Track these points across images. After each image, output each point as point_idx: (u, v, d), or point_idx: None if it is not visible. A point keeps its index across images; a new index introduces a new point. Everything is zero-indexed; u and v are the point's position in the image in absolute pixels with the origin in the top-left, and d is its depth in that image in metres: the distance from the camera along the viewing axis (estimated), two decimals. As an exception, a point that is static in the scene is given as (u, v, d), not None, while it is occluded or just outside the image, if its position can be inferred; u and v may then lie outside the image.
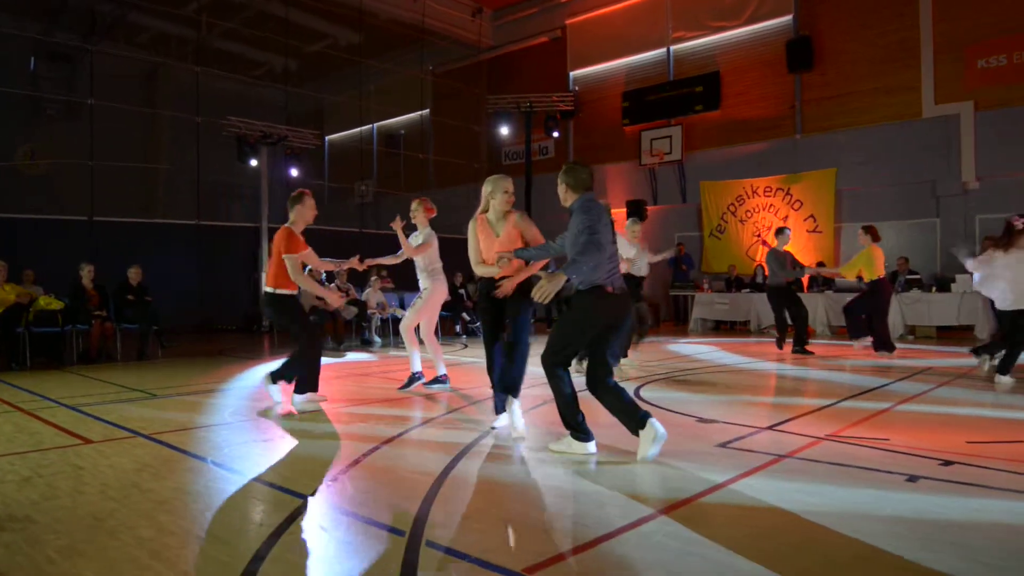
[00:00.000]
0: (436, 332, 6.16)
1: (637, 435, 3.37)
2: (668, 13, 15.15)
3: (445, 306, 6.40)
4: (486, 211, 4.29)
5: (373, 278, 11.06)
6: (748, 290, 12.67)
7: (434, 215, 5.76)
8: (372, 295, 10.92)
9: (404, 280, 10.06)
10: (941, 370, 6.81)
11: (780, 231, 8.69)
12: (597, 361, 3.50)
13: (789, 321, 8.49)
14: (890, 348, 7.88)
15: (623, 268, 5.93)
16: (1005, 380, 5.80)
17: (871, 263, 7.77)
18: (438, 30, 17.12)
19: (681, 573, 2.12)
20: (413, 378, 5.79)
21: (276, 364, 5.22)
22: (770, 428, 4.19)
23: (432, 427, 4.47)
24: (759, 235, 13.91)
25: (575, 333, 3.54)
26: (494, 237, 4.23)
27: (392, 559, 2.23)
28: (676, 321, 14.30)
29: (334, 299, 5.56)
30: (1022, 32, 11.08)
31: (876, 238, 7.89)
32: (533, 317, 4.29)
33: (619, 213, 14.48)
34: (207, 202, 13.89)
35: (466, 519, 2.64)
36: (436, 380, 5.79)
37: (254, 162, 13.61)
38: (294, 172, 14.45)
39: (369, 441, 3.95)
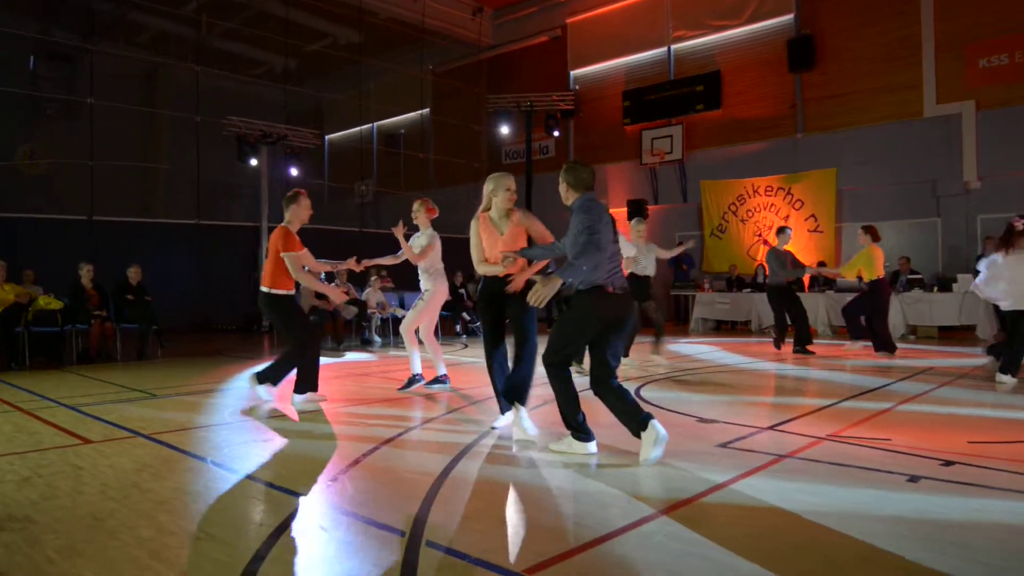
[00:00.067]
0: (436, 332, 6.15)
1: (639, 437, 3.35)
2: (668, 12, 15.12)
3: (445, 306, 6.39)
4: (488, 209, 4.27)
5: (373, 278, 11.04)
6: (749, 290, 12.65)
7: (436, 216, 5.74)
8: (372, 295, 10.91)
9: (404, 280, 10.05)
10: (942, 370, 6.79)
11: (781, 230, 8.68)
12: (598, 361, 3.49)
13: (789, 321, 8.48)
14: (891, 349, 7.86)
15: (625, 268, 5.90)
16: (1007, 380, 5.79)
17: (871, 263, 7.76)
18: (438, 29, 17.10)
19: (682, 573, 2.12)
20: (413, 380, 5.77)
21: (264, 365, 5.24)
22: (771, 428, 4.18)
23: (432, 427, 4.46)
24: (760, 235, 13.89)
25: (575, 333, 3.53)
26: (497, 235, 4.20)
27: (392, 559, 2.23)
28: (677, 321, 14.28)
29: (336, 295, 5.54)
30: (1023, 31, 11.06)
31: (876, 238, 7.88)
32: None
33: (619, 213, 14.46)
34: (207, 202, 13.88)
35: (466, 519, 2.64)
36: (436, 380, 5.77)
37: (254, 161, 13.60)
38: (294, 171, 14.44)
39: (369, 441, 3.94)
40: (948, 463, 3.32)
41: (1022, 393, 5.44)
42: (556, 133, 16.45)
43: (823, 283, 12.11)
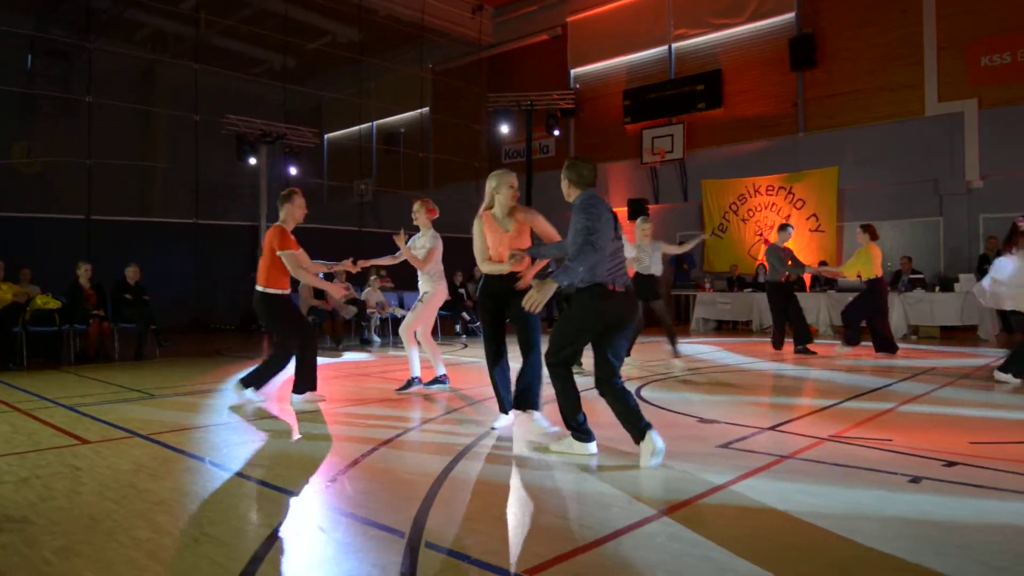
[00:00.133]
0: (436, 332, 6.10)
1: (638, 444, 3.33)
2: (669, 10, 15.08)
3: (445, 306, 6.34)
4: (490, 208, 4.21)
5: (372, 277, 11.00)
6: (750, 289, 12.61)
7: (436, 216, 5.68)
8: (371, 295, 10.86)
9: (403, 280, 10.02)
10: (944, 370, 6.75)
11: (783, 227, 8.68)
12: (600, 360, 3.44)
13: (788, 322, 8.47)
14: (892, 349, 7.83)
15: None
16: (1008, 378, 5.75)
17: (870, 262, 7.75)
18: (438, 27, 17.06)
19: (682, 574, 2.11)
20: (411, 382, 5.72)
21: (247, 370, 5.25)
22: (772, 429, 4.15)
23: (431, 428, 4.43)
24: (761, 234, 13.85)
25: (575, 332, 3.50)
26: (503, 233, 4.14)
27: (391, 561, 2.21)
28: (678, 321, 14.22)
29: (336, 290, 5.49)
30: (1026, 29, 11.03)
31: (874, 236, 7.87)
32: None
33: (620, 212, 14.39)
34: (205, 201, 13.84)
35: (466, 520, 2.63)
36: (436, 380, 5.73)
37: (253, 161, 13.56)
38: (293, 171, 14.40)
39: (368, 442, 3.91)
40: (950, 464, 3.30)
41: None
42: (556, 132, 16.41)
43: (824, 283, 12.08)
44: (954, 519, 2.56)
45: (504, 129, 16.85)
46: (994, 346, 9.07)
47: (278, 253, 4.98)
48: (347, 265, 5.50)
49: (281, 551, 2.32)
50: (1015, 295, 5.77)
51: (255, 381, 5.14)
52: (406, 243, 5.62)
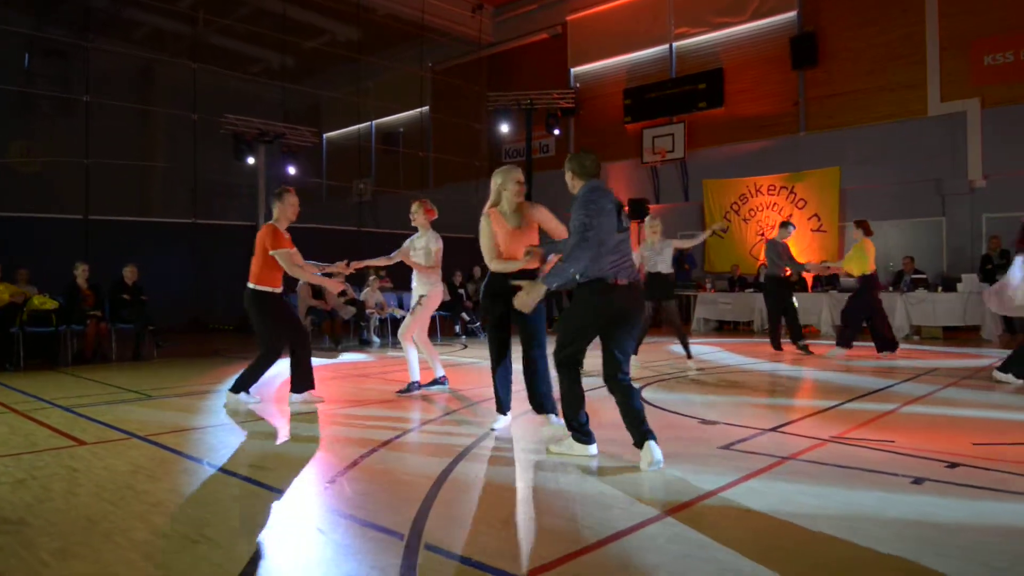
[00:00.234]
0: (435, 333, 6.05)
1: (637, 448, 3.29)
2: (670, 9, 15.03)
3: (445, 306, 6.28)
4: (495, 205, 4.13)
5: (372, 278, 10.94)
6: (751, 289, 12.56)
7: (435, 217, 5.62)
8: (370, 295, 10.80)
9: (403, 280, 9.93)
10: (947, 371, 6.73)
11: (784, 224, 8.72)
12: (605, 356, 3.40)
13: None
14: (893, 347, 7.80)
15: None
16: (1009, 378, 5.70)
17: (864, 257, 7.74)
18: (438, 26, 17.00)
19: (684, 575, 2.10)
20: (411, 386, 5.66)
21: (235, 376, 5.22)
22: (773, 430, 4.13)
23: (431, 429, 4.41)
24: (762, 234, 13.79)
25: (577, 328, 3.45)
26: (514, 230, 4.05)
27: (390, 562, 2.20)
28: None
29: (334, 285, 5.45)
30: (1029, 28, 10.98)
31: (868, 232, 7.88)
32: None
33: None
34: (203, 200, 13.80)
35: (466, 522, 2.63)
36: (435, 382, 5.69)
37: (251, 160, 13.51)
38: (291, 170, 14.34)
39: (367, 443, 3.90)
40: (953, 465, 3.29)
41: (1030, 394, 5.38)
42: (557, 131, 16.36)
43: (826, 283, 12.02)
44: (956, 520, 2.55)
45: (504, 128, 16.80)
46: (997, 347, 9.03)
47: (271, 252, 4.95)
48: (340, 267, 5.45)
49: (279, 553, 2.32)
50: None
51: (244, 385, 5.12)
52: (406, 242, 5.56)
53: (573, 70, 16.80)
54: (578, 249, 3.22)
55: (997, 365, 6.01)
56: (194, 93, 13.63)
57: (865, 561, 2.20)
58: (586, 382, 3.59)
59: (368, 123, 19.06)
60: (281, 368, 5.58)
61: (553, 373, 3.71)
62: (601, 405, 3.52)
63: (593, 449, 3.49)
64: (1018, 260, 5.81)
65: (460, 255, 11.24)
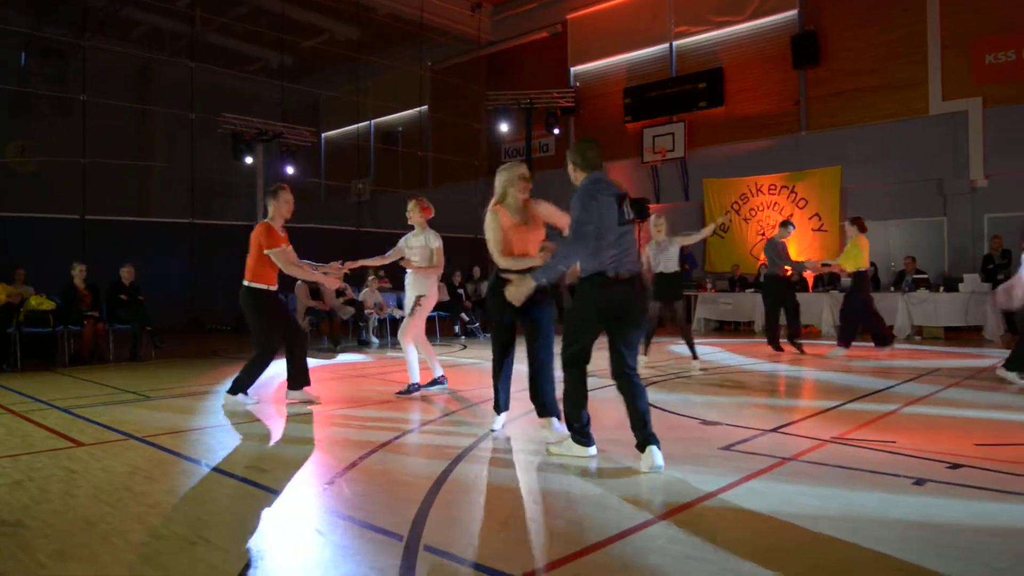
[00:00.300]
0: (435, 333, 6.00)
1: (639, 451, 3.25)
2: (670, 8, 14.99)
3: (445, 306, 6.24)
4: (501, 201, 4.03)
5: (370, 278, 10.89)
6: (752, 290, 12.52)
7: (431, 216, 5.57)
8: (369, 295, 10.75)
9: (402, 280, 9.89)
10: (949, 371, 6.70)
11: (784, 223, 8.72)
12: (612, 353, 3.36)
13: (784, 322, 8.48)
14: (887, 341, 7.82)
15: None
16: (1014, 377, 5.67)
17: (859, 254, 7.75)
18: (437, 25, 16.95)
19: None
20: (411, 388, 5.61)
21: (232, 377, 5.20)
22: (774, 431, 4.11)
23: (430, 430, 4.38)
24: (763, 234, 13.74)
25: (579, 325, 3.40)
26: (522, 226, 3.96)
27: (389, 564, 2.19)
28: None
29: (331, 282, 5.39)
30: (1031, 27, 10.94)
31: (862, 229, 7.90)
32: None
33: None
34: (201, 200, 13.73)
35: (465, 523, 2.62)
36: (434, 382, 5.65)
37: (249, 160, 13.47)
38: (290, 170, 14.29)
39: (366, 444, 3.88)
40: (955, 466, 3.27)
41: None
42: (556, 131, 16.31)
43: (827, 283, 11.98)
44: (958, 521, 2.53)
45: (504, 127, 16.76)
46: (999, 347, 8.99)
47: (267, 252, 4.93)
48: (334, 268, 5.40)
49: (277, 554, 2.31)
50: None
51: (242, 386, 5.10)
52: (401, 241, 5.50)
53: (573, 69, 16.76)
54: (571, 245, 3.20)
55: (1001, 364, 5.98)
56: (192, 92, 13.57)
57: (866, 562, 2.19)
58: (588, 382, 3.54)
59: (367, 122, 19.01)
60: (279, 369, 5.54)
61: (559, 375, 3.67)
62: (602, 405, 3.48)
63: (592, 450, 3.47)
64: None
65: (459, 255, 11.19)
